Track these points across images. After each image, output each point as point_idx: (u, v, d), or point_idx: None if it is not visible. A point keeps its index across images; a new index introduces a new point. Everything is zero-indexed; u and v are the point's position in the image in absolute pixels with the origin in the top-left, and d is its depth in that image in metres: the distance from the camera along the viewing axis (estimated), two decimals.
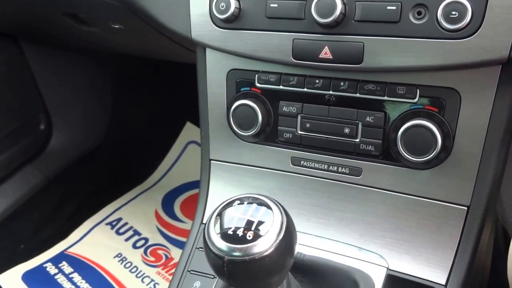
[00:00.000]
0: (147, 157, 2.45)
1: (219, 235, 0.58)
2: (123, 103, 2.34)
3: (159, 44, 1.26)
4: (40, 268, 1.84)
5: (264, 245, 0.57)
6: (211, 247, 0.58)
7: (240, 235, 0.57)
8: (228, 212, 0.60)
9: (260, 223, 0.58)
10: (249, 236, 0.57)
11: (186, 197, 2.27)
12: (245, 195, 0.63)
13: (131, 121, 2.40)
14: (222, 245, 0.57)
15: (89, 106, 2.24)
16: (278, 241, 0.58)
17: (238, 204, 0.61)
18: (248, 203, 0.61)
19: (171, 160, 2.45)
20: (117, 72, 2.29)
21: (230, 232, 0.58)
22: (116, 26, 1.33)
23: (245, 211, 0.59)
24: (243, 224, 0.58)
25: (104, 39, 1.62)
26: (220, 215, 0.61)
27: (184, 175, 2.36)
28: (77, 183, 2.17)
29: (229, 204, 0.62)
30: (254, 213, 0.59)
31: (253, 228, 0.57)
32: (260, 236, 0.57)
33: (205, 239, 0.59)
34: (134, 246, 1.97)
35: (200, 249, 0.97)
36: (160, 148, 2.48)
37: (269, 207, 0.61)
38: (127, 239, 2.00)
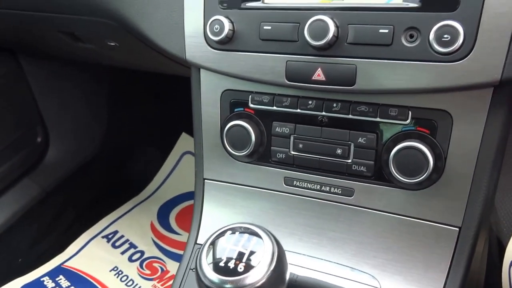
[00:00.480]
0: (143, 168, 2.46)
1: (211, 265, 0.59)
2: (119, 115, 2.35)
3: (155, 60, 1.27)
4: (38, 282, 1.83)
5: (256, 276, 0.57)
6: (203, 278, 0.59)
7: (231, 267, 0.58)
8: (220, 242, 0.61)
9: (251, 253, 0.59)
10: (240, 268, 0.57)
11: (181, 208, 2.27)
12: (237, 224, 0.64)
13: (127, 132, 2.41)
14: (214, 277, 0.58)
15: (85, 117, 2.24)
16: (269, 271, 0.58)
17: (230, 234, 0.62)
18: (240, 233, 0.61)
19: (166, 171, 2.45)
20: (113, 83, 2.29)
21: (221, 263, 0.58)
22: (112, 44, 1.34)
23: (237, 241, 0.60)
24: (234, 255, 0.59)
25: (100, 55, 1.63)
26: (212, 244, 0.61)
27: (179, 186, 2.37)
28: (74, 195, 2.17)
29: (222, 233, 0.63)
30: (245, 243, 0.60)
31: (244, 259, 0.58)
32: (251, 267, 0.57)
33: (197, 270, 0.60)
34: (130, 259, 1.97)
35: (194, 270, 0.97)
36: (156, 159, 2.48)
37: (260, 237, 0.61)
38: (123, 252, 2.00)
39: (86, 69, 2.13)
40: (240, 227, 0.62)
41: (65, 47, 1.53)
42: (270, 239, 0.60)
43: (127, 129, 2.40)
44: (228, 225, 0.64)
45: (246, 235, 0.61)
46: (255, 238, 0.60)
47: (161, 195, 2.37)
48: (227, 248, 0.59)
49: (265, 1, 0.87)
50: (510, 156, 1.17)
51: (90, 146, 2.26)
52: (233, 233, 0.62)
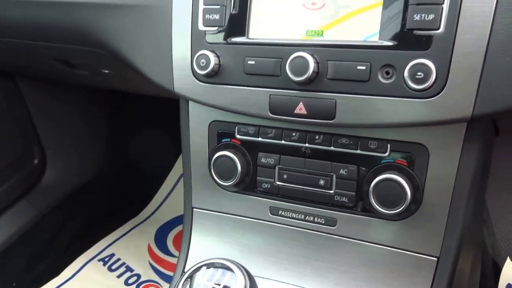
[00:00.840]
0: (142, 189, 2.47)
1: None
2: (117, 136, 2.37)
3: (149, 85, 1.30)
4: None
5: None
6: None
7: None
8: (196, 277, 0.63)
9: None
10: None
11: (179, 230, 2.27)
12: (213, 260, 0.66)
13: (125, 154, 2.42)
14: None
15: (83, 138, 2.26)
16: None
17: (205, 269, 0.64)
18: (214, 268, 0.64)
19: (165, 192, 2.47)
20: (112, 105, 2.32)
21: None
22: (106, 71, 1.37)
23: (212, 276, 0.62)
24: None
25: (96, 80, 1.66)
26: (189, 278, 0.64)
27: (178, 208, 2.35)
28: (71, 217, 2.17)
29: (198, 269, 0.65)
30: (220, 278, 0.62)
31: None
32: None
33: None
34: (126, 283, 1.97)
35: None
36: (154, 180, 2.50)
37: (233, 271, 0.63)
38: (119, 276, 2.00)
39: (84, 90, 2.15)
40: (215, 263, 0.65)
41: (61, 72, 1.56)
42: (243, 273, 0.63)
43: (126, 150, 2.42)
44: (204, 260, 0.66)
45: (220, 270, 0.63)
46: (228, 273, 0.63)
47: (159, 217, 2.38)
48: (202, 283, 0.62)
49: (250, 36, 0.89)
50: (508, 178, 1.19)
51: (88, 168, 2.28)
52: (208, 268, 0.64)
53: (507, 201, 1.33)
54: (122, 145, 2.40)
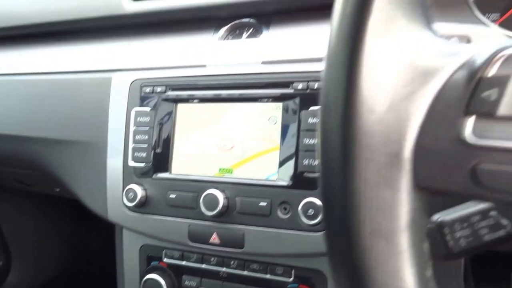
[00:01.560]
0: (106, 285, 2.49)
1: None
2: (83, 236, 2.42)
3: None
4: None
5: None
6: None
7: None
8: None
9: None
10: None
11: None
12: None
13: (90, 250, 2.46)
14: None
15: (49, 239, 2.30)
16: None
17: None
18: None
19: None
20: (78, 206, 2.38)
21: None
22: (57, 190, 1.47)
23: None
24: None
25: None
26: None
27: None
28: None
29: None
30: None
31: None
32: None
33: None
34: None
35: None
36: (119, 275, 2.52)
37: None
38: None
39: (51, 195, 2.22)
40: None
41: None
42: None
43: (90, 246, 2.47)
44: None
45: None
46: None
47: None
48: None
49: (172, 172, 1.00)
50: None
51: (52, 264, 2.29)
52: None
53: None
54: (86, 242, 2.45)
